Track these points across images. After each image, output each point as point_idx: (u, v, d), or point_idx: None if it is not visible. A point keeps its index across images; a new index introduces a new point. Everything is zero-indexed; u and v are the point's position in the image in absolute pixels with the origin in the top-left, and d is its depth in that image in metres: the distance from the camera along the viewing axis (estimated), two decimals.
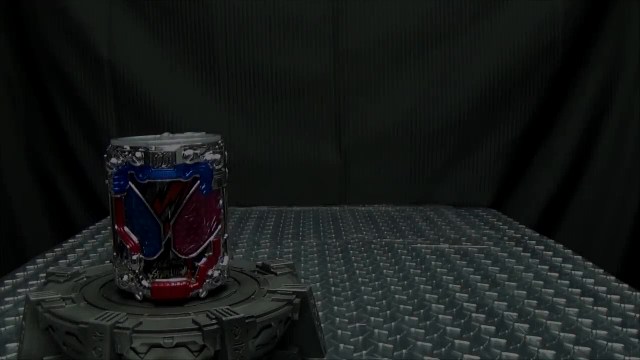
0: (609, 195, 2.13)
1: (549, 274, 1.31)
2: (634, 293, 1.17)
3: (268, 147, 2.16)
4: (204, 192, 0.82)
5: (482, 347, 0.94)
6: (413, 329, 1.01)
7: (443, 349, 0.93)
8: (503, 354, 0.91)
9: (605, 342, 0.95)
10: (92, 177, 2.16)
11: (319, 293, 1.18)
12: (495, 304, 1.13)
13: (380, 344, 0.95)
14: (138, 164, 0.80)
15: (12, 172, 2.18)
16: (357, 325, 1.03)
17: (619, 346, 0.93)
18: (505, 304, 1.13)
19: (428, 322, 1.04)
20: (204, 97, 2.15)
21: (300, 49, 2.12)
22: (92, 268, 0.99)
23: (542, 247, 1.54)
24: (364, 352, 0.92)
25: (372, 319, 1.06)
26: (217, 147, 0.84)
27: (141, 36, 2.12)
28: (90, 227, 1.82)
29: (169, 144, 0.81)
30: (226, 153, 0.86)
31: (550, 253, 1.48)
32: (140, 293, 0.82)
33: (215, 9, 2.11)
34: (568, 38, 2.07)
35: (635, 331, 0.99)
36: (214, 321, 0.74)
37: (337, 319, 1.05)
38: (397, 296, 1.17)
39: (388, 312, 1.09)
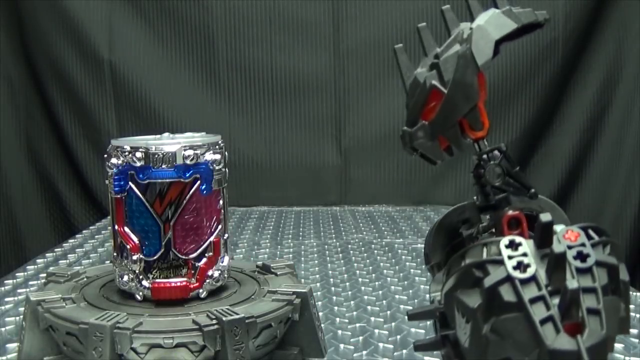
0: (609, 195, 2.13)
1: None
2: (634, 293, 1.17)
3: (268, 147, 2.16)
4: (204, 192, 0.82)
5: None
6: (413, 329, 1.01)
7: (443, 349, 0.93)
8: None
9: None
10: (92, 177, 2.16)
11: (319, 293, 1.18)
12: None
13: (380, 344, 0.95)
14: (138, 164, 0.80)
15: (12, 172, 2.18)
16: (357, 325, 1.03)
17: (619, 346, 0.93)
18: None
19: (428, 322, 1.04)
20: (204, 97, 2.15)
21: (300, 48, 2.12)
22: (92, 268, 0.99)
23: None
24: (364, 352, 0.92)
25: (372, 319, 1.06)
26: (217, 147, 0.84)
27: (141, 36, 2.12)
28: (90, 227, 1.82)
29: (169, 144, 0.81)
30: (226, 153, 0.86)
31: None
32: (140, 293, 0.82)
33: (215, 9, 2.11)
34: (568, 38, 2.07)
35: (635, 331, 0.99)
36: (214, 321, 0.74)
37: (337, 319, 1.05)
38: (397, 296, 1.17)
39: (388, 312, 1.09)
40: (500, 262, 0.47)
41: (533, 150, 2.17)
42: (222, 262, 0.86)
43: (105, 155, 0.83)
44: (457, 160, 2.15)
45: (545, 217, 0.47)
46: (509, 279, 0.46)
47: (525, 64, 2.09)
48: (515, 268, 0.46)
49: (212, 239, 0.84)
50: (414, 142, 0.59)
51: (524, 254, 0.47)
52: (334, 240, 1.63)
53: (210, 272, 0.84)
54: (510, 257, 0.47)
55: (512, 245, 0.48)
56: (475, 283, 0.48)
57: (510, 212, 0.54)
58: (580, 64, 2.12)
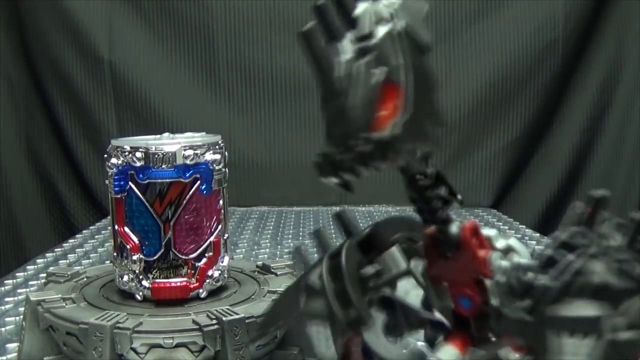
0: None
1: None
2: None
3: (268, 147, 2.16)
4: (204, 192, 0.82)
5: None
6: None
7: None
8: None
9: None
10: (92, 177, 2.16)
11: None
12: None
13: None
14: (138, 164, 0.80)
15: (12, 172, 2.18)
16: None
17: None
18: None
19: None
20: (204, 97, 2.15)
21: (300, 48, 2.12)
22: (92, 268, 0.99)
23: (542, 247, 1.53)
24: None
25: None
26: (217, 147, 0.84)
27: (141, 36, 2.12)
28: (90, 227, 1.82)
29: (169, 144, 0.81)
30: (226, 153, 0.86)
31: None
32: (140, 293, 0.82)
33: (215, 9, 2.11)
34: (568, 38, 2.07)
35: None
36: (214, 321, 0.74)
37: None
38: None
39: None
40: (585, 254, 0.44)
41: (533, 150, 2.17)
42: (222, 262, 0.86)
43: (105, 155, 0.83)
44: (457, 159, 2.15)
45: None
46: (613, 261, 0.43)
47: (525, 64, 2.09)
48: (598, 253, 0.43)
49: (212, 239, 0.84)
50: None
51: (591, 233, 0.45)
52: (334, 240, 1.63)
53: (210, 272, 0.84)
54: (588, 243, 0.45)
55: (578, 235, 0.46)
56: (579, 291, 0.43)
57: (466, 223, 0.48)
58: (580, 64, 2.12)
